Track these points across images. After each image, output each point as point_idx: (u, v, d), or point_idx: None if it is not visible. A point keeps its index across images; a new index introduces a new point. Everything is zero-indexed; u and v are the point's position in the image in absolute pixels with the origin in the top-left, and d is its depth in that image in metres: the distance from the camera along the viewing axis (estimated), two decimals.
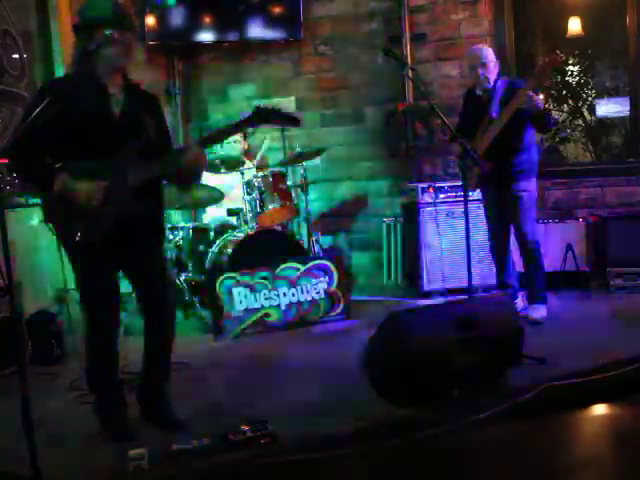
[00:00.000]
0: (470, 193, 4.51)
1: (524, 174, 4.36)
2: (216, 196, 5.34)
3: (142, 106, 2.93)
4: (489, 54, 4.39)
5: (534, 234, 4.44)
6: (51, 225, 2.87)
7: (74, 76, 2.91)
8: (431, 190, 5.38)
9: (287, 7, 6.03)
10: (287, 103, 6.26)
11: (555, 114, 6.17)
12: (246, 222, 5.15)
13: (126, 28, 2.83)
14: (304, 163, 5.51)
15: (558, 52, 4.02)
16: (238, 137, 5.69)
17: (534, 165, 4.43)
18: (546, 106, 4.18)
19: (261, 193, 5.09)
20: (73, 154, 2.79)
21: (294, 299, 4.76)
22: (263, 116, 2.88)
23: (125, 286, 3.18)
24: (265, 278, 4.70)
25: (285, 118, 2.99)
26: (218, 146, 5.50)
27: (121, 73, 2.92)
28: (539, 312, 4.40)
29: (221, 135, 2.95)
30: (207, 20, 6.05)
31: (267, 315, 4.70)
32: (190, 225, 5.32)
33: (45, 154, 2.85)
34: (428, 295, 5.31)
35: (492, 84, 4.34)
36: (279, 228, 5.31)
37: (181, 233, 5.23)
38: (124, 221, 2.81)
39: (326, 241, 6.16)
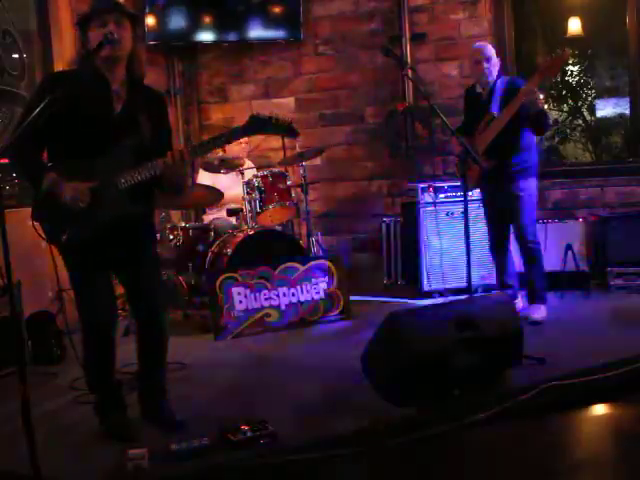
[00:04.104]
0: (470, 193, 4.52)
1: (524, 174, 4.36)
2: (216, 196, 5.33)
3: (143, 105, 2.88)
4: (492, 50, 4.42)
5: (534, 234, 4.44)
6: (37, 224, 2.84)
7: (77, 71, 2.89)
8: (431, 190, 5.37)
9: (287, 7, 6.04)
10: (287, 103, 6.27)
11: (555, 114, 6.18)
12: (246, 222, 5.15)
13: (111, 9, 2.77)
14: (304, 163, 5.51)
15: (566, 49, 4.03)
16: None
17: (534, 165, 4.43)
18: (544, 108, 4.19)
19: (261, 193, 5.09)
20: (70, 152, 2.79)
21: (294, 299, 4.75)
22: (258, 126, 2.85)
23: None
24: (265, 278, 4.70)
25: (281, 128, 2.91)
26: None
27: (123, 68, 2.86)
28: (539, 312, 4.40)
29: (213, 144, 2.88)
30: (207, 20, 6.06)
31: (267, 315, 4.70)
32: (190, 225, 5.32)
33: (42, 152, 2.85)
34: (428, 295, 5.31)
35: (494, 79, 4.35)
36: (279, 228, 5.30)
37: (181, 233, 5.22)
38: (116, 222, 2.80)
39: (326, 241, 6.16)
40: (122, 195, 2.79)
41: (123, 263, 2.97)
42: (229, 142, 2.95)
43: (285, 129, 2.93)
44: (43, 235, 2.84)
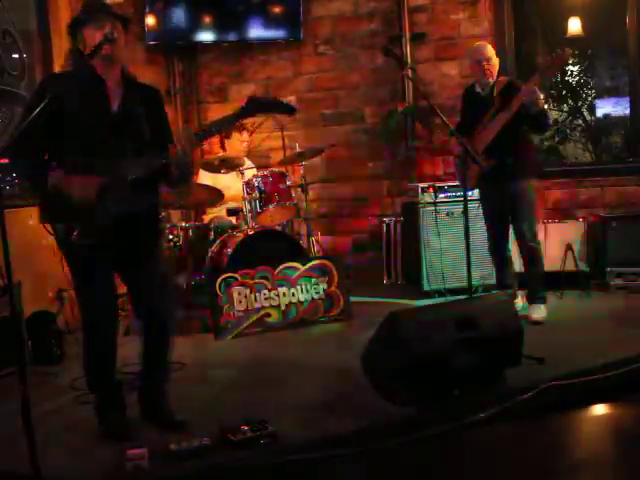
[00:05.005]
0: (469, 192, 4.52)
1: (523, 174, 4.36)
2: (216, 196, 5.33)
3: (141, 101, 2.91)
4: (492, 50, 4.42)
5: (534, 234, 4.44)
6: (47, 225, 2.84)
7: (74, 71, 2.92)
8: (431, 190, 5.37)
9: (287, 7, 6.05)
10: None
11: (555, 114, 6.18)
12: (246, 222, 5.15)
13: (104, 13, 2.81)
14: (304, 163, 5.51)
15: (566, 49, 4.04)
16: (245, 136, 5.70)
17: (533, 165, 4.43)
18: (544, 107, 4.20)
19: (261, 193, 5.09)
20: (71, 150, 2.79)
21: (294, 299, 4.76)
22: (257, 106, 2.90)
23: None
24: (265, 278, 4.70)
25: (279, 106, 2.99)
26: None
27: (119, 67, 2.90)
28: (539, 312, 4.40)
29: (215, 128, 2.91)
30: (207, 20, 6.06)
31: (267, 315, 4.70)
32: (190, 225, 5.31)
33: (43, 152, 2.86)
34: (428, 295, 5.31)
35: (494, 79, 4.35)
36: (279, 228, 5.30)
37: (181, 233, 5.22)
38: (122, 219, 2.80)
39: (326, 241, 6.16)
40: (127, 190, 2.80)
41: (126, 261, 2.97)
42: (230, 125, 2.98)
43: (283, 107, 3.00)
44: (54, 235, 2.84)
